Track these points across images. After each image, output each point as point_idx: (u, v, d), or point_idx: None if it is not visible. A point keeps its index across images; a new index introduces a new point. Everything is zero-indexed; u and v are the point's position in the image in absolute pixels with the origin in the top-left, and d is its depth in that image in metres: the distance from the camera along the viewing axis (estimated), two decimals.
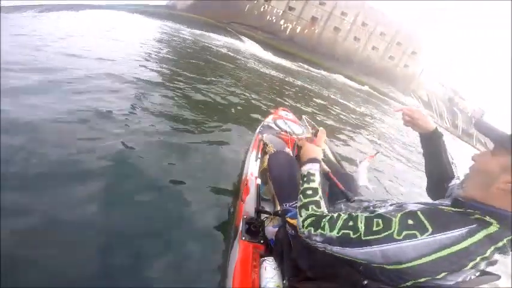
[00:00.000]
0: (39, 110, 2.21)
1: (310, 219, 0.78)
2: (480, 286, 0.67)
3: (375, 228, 0.62)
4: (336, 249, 0.69)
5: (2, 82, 2.48)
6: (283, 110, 2.83)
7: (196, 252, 1.39)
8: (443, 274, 0.56)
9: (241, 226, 1.22)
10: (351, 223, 0.68)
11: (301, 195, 0.86)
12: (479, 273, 0.62)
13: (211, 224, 1.61)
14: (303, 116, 1.98)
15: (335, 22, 24.43)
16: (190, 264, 1.33)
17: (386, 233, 0.60)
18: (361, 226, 0.65)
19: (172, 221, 1.54)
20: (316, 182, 0.87)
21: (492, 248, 0.55)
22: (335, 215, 0.74)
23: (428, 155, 0.98)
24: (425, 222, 0.58)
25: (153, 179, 1.85)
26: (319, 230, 0.72)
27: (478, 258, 0.55)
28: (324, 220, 0.74)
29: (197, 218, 1.62)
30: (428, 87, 30.50)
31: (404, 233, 0.58)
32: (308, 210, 0.80)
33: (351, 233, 0.66)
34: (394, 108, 1.07)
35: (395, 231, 0.59)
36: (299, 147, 1.09)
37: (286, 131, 2.08)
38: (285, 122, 2.28)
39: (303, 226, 0.78)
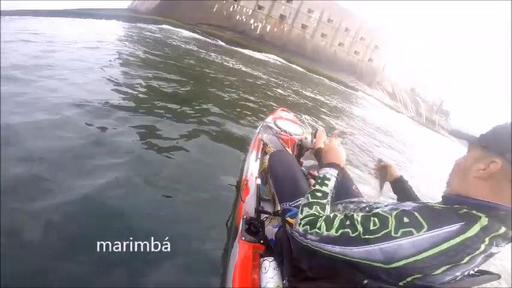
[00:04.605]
0: None
1: (308, 218, 0.75)
2: (480, 286, 0.68)
3: (371, 228, 0.62)
4: (334, 249, 0.66)
5: None
6: (283, 110, 2.83)
7: (196, 252, 1.39)
8: (441, 269, 0.57)
9: (241, 226, 1.21)
10: (348, 222, 0.67)
11: (309, 195, 0.83)
12: (477, 268, 0.63)
13: (211, 224, 1.60)
14: (303, 116, 2.00)
15: (302, 20, 25.07)
16: (190, 264, 1.32)
17: (384, 232, 0.60)
18: (359, 225, 0.64)
19: (172, 221, 1.53)
20: (329, 187, 0.84)
21: (487, 240, 0.56)
22: (331, 214, 0.72)
23: (401, 197, 1.12)
24: (420, 219, 0.59)
25: (152, 179, 1.83)
26: (315, 229, 0.70)
27: (476, 252, 0.56)
28: (320, 220, 0.72)
29: (197, 218, 1.62)
30: (392, 79, 32.34)
31: (401, 230, 0.58)
32: (311, 209, 0.78)
33: (350, 231, 0.65)
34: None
35: (393, 229, 0.59)
36: (322, 149, 1.03)
37: (286, 131, 2.07)
38: (284, 122, 2.27)
39: (300, 224, 0.76)
